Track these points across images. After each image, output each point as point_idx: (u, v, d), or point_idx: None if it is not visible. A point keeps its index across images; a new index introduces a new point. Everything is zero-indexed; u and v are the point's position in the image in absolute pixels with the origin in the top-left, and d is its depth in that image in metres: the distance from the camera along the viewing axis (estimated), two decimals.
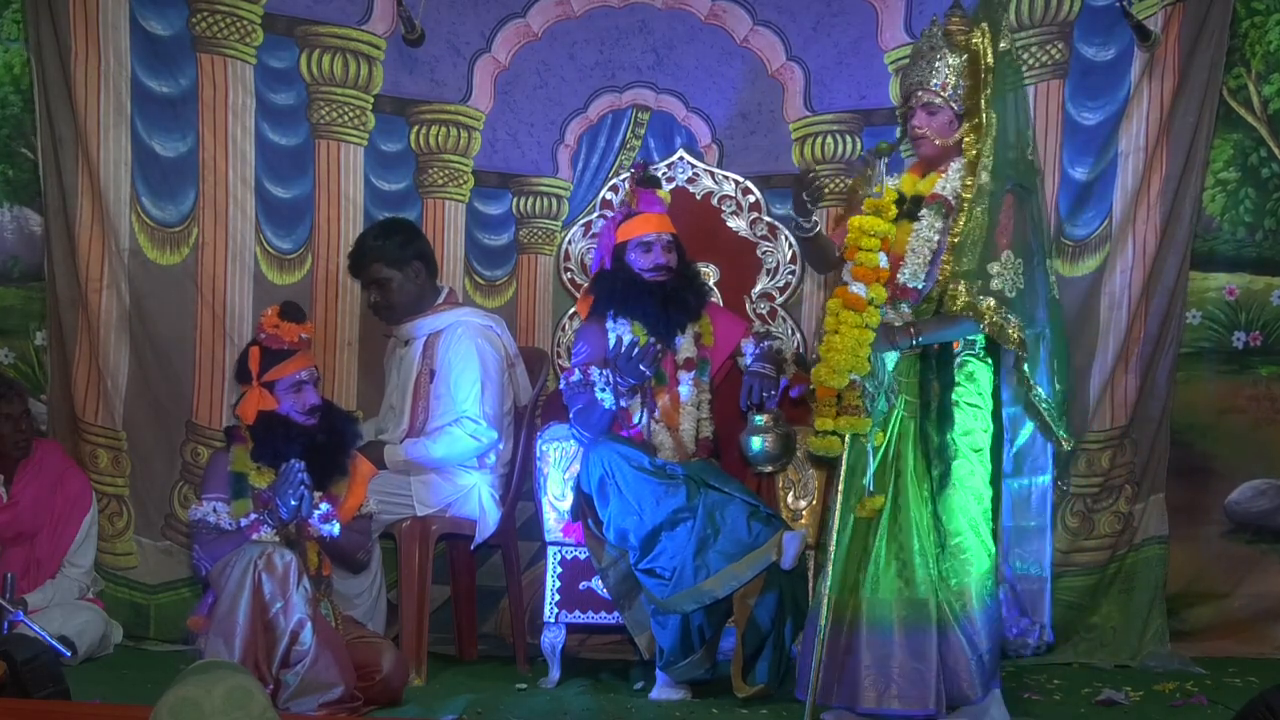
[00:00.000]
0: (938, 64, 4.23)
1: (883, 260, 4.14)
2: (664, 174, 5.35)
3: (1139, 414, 5.46)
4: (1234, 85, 5.50)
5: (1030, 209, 4.19)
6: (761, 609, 4.64)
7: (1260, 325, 5.60)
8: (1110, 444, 5.45)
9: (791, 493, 4.87)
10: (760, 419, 4.79)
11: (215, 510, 4.44)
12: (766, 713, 4.57)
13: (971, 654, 4.09)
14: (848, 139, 5.61)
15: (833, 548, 4.15)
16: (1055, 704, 4.74)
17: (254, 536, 4.33)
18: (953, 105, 4.22)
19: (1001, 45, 4.17)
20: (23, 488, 5.28)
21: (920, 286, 4.20)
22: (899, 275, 4.19)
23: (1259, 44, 5.51)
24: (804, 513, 4.84)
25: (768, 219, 5.42)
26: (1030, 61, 5.44)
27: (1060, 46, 5.43)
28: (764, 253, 5.43)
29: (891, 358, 4.21)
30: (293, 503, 4.33)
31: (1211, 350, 5.60)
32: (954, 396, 4.18)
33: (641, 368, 4.79)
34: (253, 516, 4.37)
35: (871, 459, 4.21)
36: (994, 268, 4.07)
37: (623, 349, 4.82)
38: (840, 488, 4.16)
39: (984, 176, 4.12)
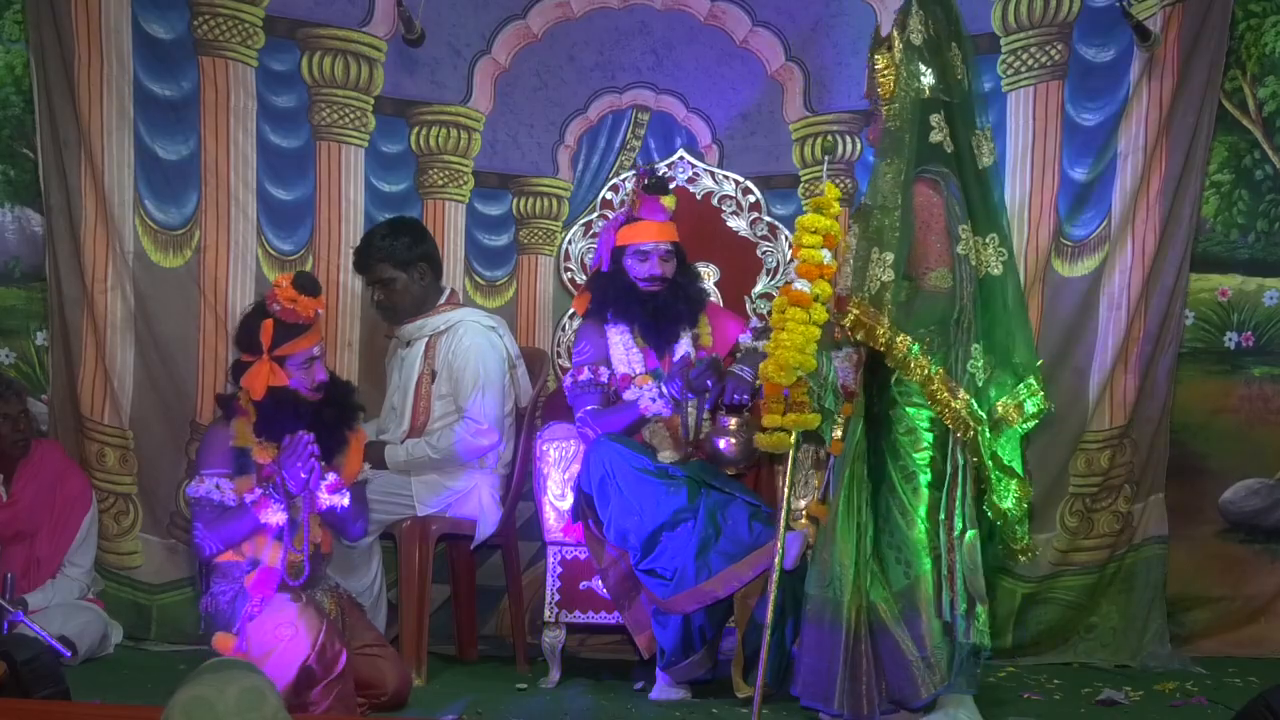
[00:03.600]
0: (867, 70, 4.36)
1: (827, 256, 4.19)
2: (664, 174, 5.35)
3: (1138, 414, 5.46)
4: (1229, 88, 5.51)
5: (944, 194, 4.19)
6: (761, 609, 4.64)
7: (1252, 326, 5.62)
8: (1109, 444, 5.46)
9: (792, 493, 4.87)
10: (728, 421, 4.83)
11: (219, 486, 4.34)
12: (767, 712, 4.56)
13: (915, 655, 4.09)
14: (848, 139, 5.62)
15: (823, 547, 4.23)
16: (1055, 704, 4.76)
17: (261, 513, 4.26)
18: (880, 109, 4.31)
19: (907, 35, 4.23)
20: (22, 486, 5.28)
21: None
22: (835, 284, 4.22)
23: (1255, 46, 5.52)
24: (804, 513, 4.84)
25: (768, 219, 5.44)
26: (1030, 62, 5.46)
27: (1060, 47, 5.44)
28: (764, 253, 5.44)
29: (840, 355, 4.23)
30: (303, 475, 4.25)
31: (1204, 351, 5.62)
32: (894, 395, 4.18)
33: (709, 382, 4.81)
34: (258, 492, 4.29)
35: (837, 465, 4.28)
36: (875, 268, 4.09)
37: (690, 364, 4.83)
38: (838, 486, 4.21)
39: (887, 168, 4.18)
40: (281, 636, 4.12)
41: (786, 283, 4.23)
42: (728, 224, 5.42)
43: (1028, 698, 4.80)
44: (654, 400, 4.85)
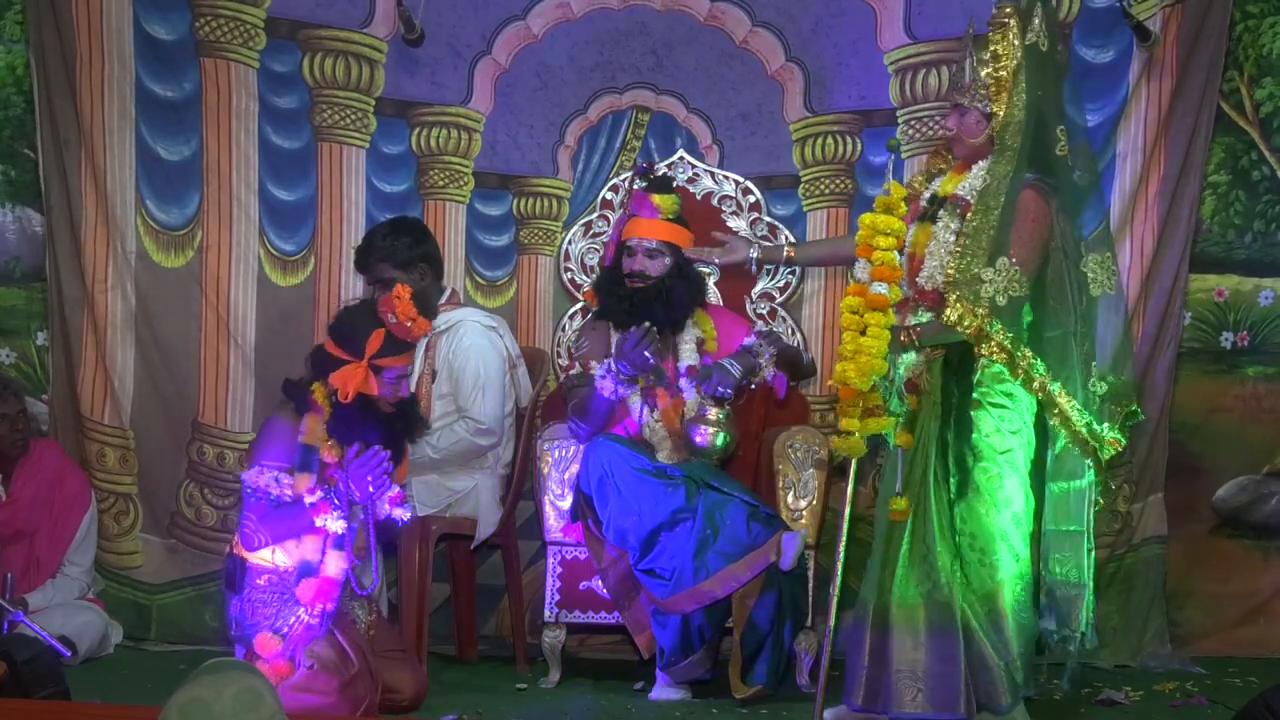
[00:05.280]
0: (966, 64, 4.26)
1: (898, 259, 4.14)
2: (663, 173, 5.35)
3: None
4: (1227, 89, 5.51)
5: (1054, 206, 4.14)
6: (760, 610, 4.65)
7: (1248, 326, 5.63)
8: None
9: (791, 493, 4.87)
10: (709, 411, 4.85)
11: (278, 481, 4.25)
12: (766, 713, 4.58)
13: (999, 660, 4.07)
14: (848, 140, 5.62)
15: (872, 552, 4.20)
16: (1055, 704, 4.75)
17: (318, 517, 4.20)
18: (978, 105, 4.23)
19: (1028, 39, 4.15)
20: (21, 486, 5.28)
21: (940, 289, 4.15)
22: (918, 278, 4.18)
23: (1252, 47, 5.52)
24: (804, 513, 4.85)
25: (768, 219, 5.44)
26: None
27: (1060, 48, 5.43)
28: None
29: (908, 359, 4.19)
30: (370, 488, 4.22)
31: (1201, 351, 5.63)
32: (977, 396, 4.13)
33: (646, 354, 4.79)
34: (319, 494, 4.22)
35: (901, 461, 4.21)
36: (988, 273, 3.99)
37: (628, 337, 4.82)
38: (877, 489, 4.18)
39: (998, 167, 4.11)
40: (313, 697, 4.13)
41: (858, 283, 4.12)
42: (728, 224, 5.42)
43: (1027, 697, 4.79)
44: (604, 379, 4.85)
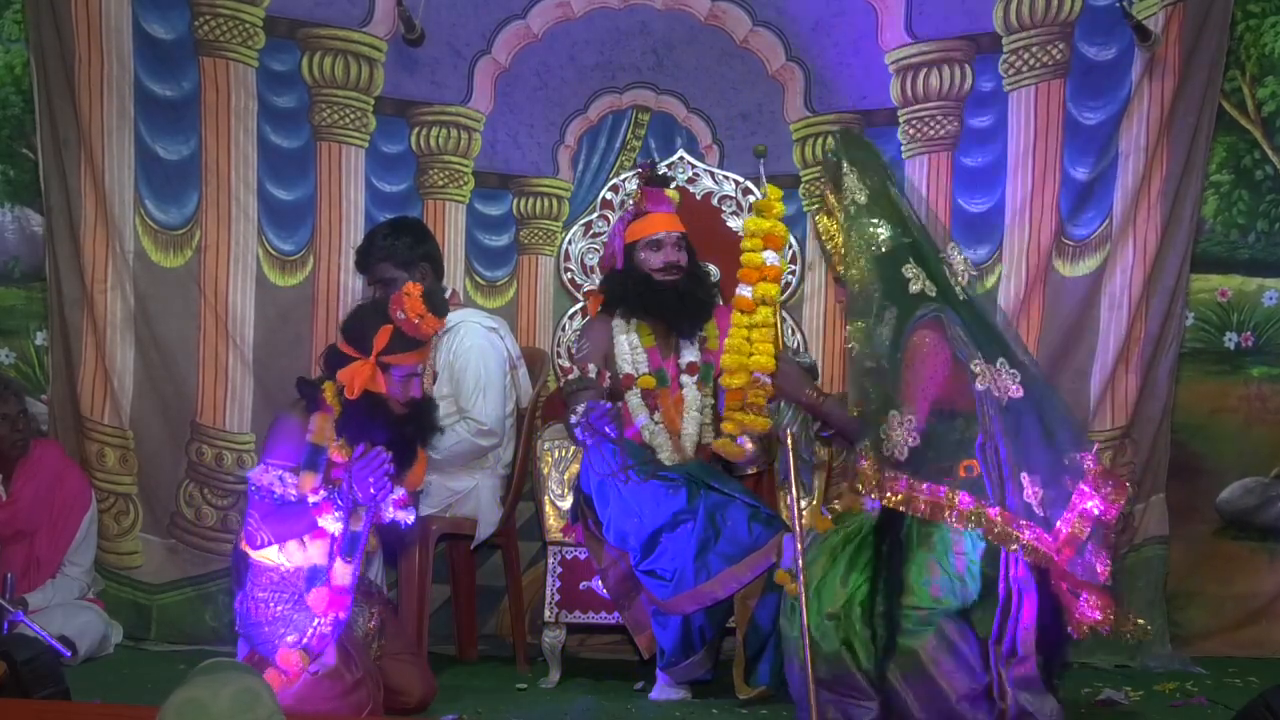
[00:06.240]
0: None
1: (770, 258, 4.21)
2: (663, 173, 5.35)
3: (1139, 414, 5.47)
4: (1229, 88, 5.52)
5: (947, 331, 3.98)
6: (762, 610, 4.65)
7: (1252, 326, 5.63)
8: (1111, 444, 5.45)
9: (795, 492, 4.86)
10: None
11: (284, 480, 4.22)
12: (766, 713, 4.58)
13: None
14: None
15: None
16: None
17: (320, 517, 4.18)
18: (838, 271, 4.18)
19: (845, 199, 4.08)
20: (21, 486, 5.29)
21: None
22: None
23: (1254, 46, 5.52)
24: (804, 513, 4.84)
25: None
26: (1031, 61, 5.46)
27: (1061, 47, 5.43)
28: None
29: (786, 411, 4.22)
30: (372, 490, 4.19)
31: (1204, 351, 5.62)
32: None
33: (608, 429, 4.78)
34: (323, 495, 4.20)
35: (815, 541, 4.20)
36: (897, 432, 3.91)
37: (597, 407, 4.78)
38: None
39: (863, 325, 4.03)
40: (316, 703, 4.13)
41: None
42: (728, 224, 5.42)
43: None
44: (577, 427, 4.82)
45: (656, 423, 4.95)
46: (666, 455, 4.91)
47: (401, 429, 4.34)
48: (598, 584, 4.90)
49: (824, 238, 4.23)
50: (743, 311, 4.22)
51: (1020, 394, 3.94)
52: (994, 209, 5.54)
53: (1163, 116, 5.40)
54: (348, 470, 4.21)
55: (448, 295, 5.23)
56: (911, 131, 5.56)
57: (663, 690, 4.76)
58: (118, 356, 5.55)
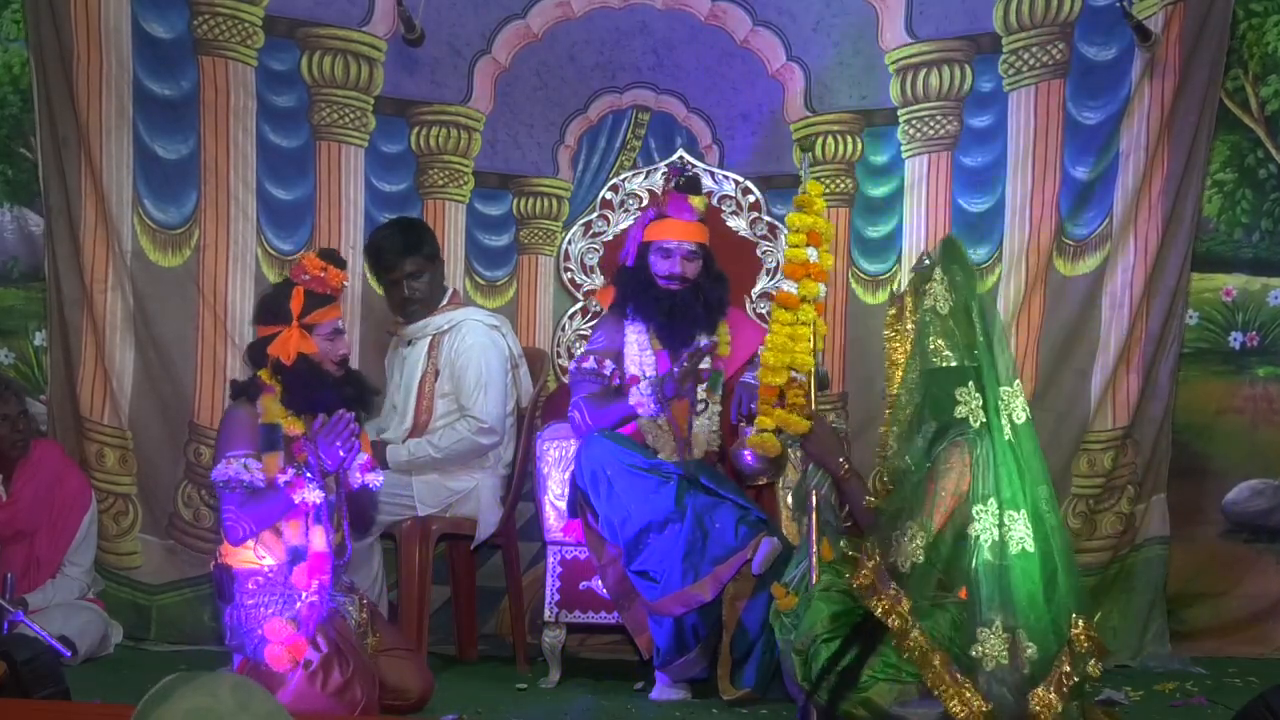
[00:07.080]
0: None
1: (812, 255, 4.17)
2: (695, 174, 5.32)
3: (1141, 414, 5.45)
4: (1231, 87, 5.50)
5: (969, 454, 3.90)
6: (750, 614, 4.63)
7: (1257, 326, 5.61)
8: (1112, 444, 5.44)
9: (791, 494, 4.85)
10: (750, 431, 4.77)
11: (247, 466, 4.21)
12: (766, 713, 4.57)
13: None
14: (848, 139, 5.61)
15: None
16: None
17: (295, 494, 4.19)
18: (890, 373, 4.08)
19: (925, 303, 3.98)
20: (21, 486, 5.28)
21: None
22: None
23: (1256, 45, 5.51)
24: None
25: (768, 219, 5.43)
26: (1031, 61, 5.46)
27: (1061, 46, 5.43)
28: (764, 252, 5.43)
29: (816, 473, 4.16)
30: (341, 454, 4.22)
31: (1208, 351, 5.61)
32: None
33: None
34: (290, 472, 4.20)
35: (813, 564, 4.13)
36: (895, 535, 3.85)
37: (678, 363, 4.77)
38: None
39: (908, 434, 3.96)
40: (311, 700, 4.11)
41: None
42: (727, 224, 5.41)
43: None
44: (647, 398, 4.83)
45: (665, 423, 4.93)
46: (667, 455, 4.90)
47: (342, 393, 4.37)
48: (598, 584, 4.90)
49: (888, 340, 4.07)
50: (786, 308, 4.16)
51: (1033, 549, 3.81)
52: (994, 209, 5.53)
53: (1163, 116, 5.39)
54: (312, 440, 4.24)
55: (449, 295, 5.24)
56: (911, 131, 5.55)
57: (663, 690, 4.76)
58: (117, 356, 5.55)
